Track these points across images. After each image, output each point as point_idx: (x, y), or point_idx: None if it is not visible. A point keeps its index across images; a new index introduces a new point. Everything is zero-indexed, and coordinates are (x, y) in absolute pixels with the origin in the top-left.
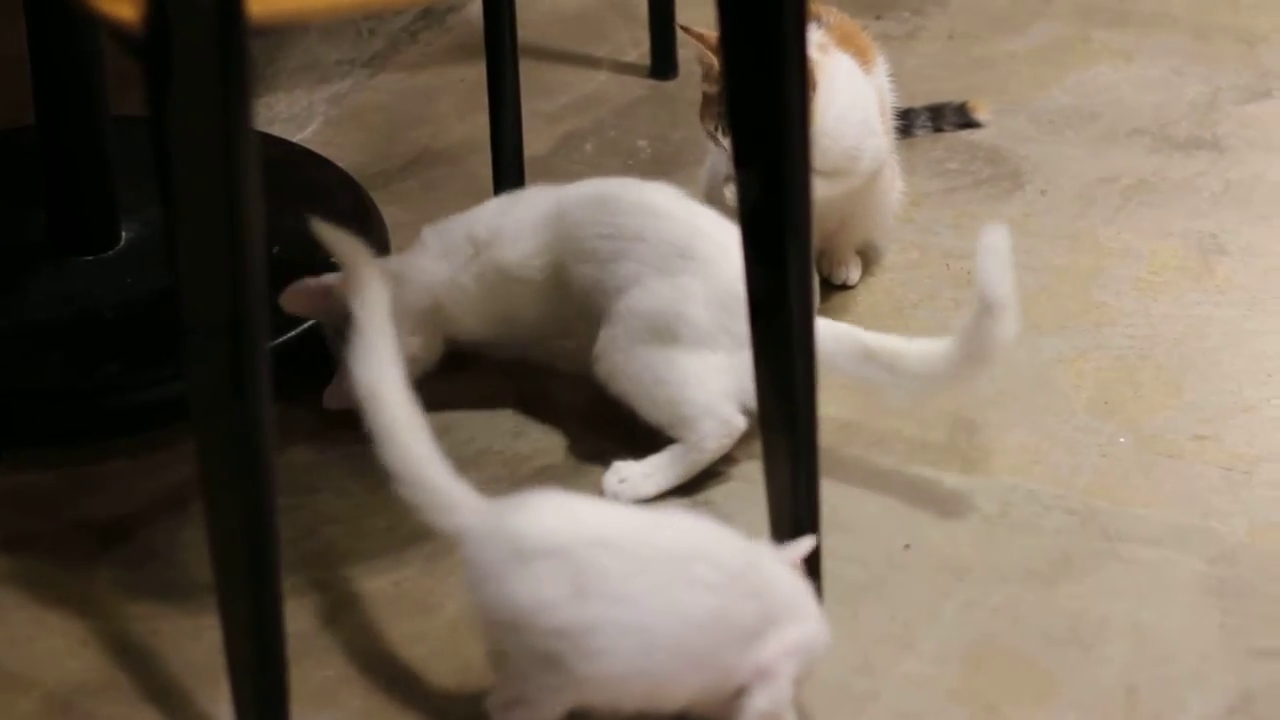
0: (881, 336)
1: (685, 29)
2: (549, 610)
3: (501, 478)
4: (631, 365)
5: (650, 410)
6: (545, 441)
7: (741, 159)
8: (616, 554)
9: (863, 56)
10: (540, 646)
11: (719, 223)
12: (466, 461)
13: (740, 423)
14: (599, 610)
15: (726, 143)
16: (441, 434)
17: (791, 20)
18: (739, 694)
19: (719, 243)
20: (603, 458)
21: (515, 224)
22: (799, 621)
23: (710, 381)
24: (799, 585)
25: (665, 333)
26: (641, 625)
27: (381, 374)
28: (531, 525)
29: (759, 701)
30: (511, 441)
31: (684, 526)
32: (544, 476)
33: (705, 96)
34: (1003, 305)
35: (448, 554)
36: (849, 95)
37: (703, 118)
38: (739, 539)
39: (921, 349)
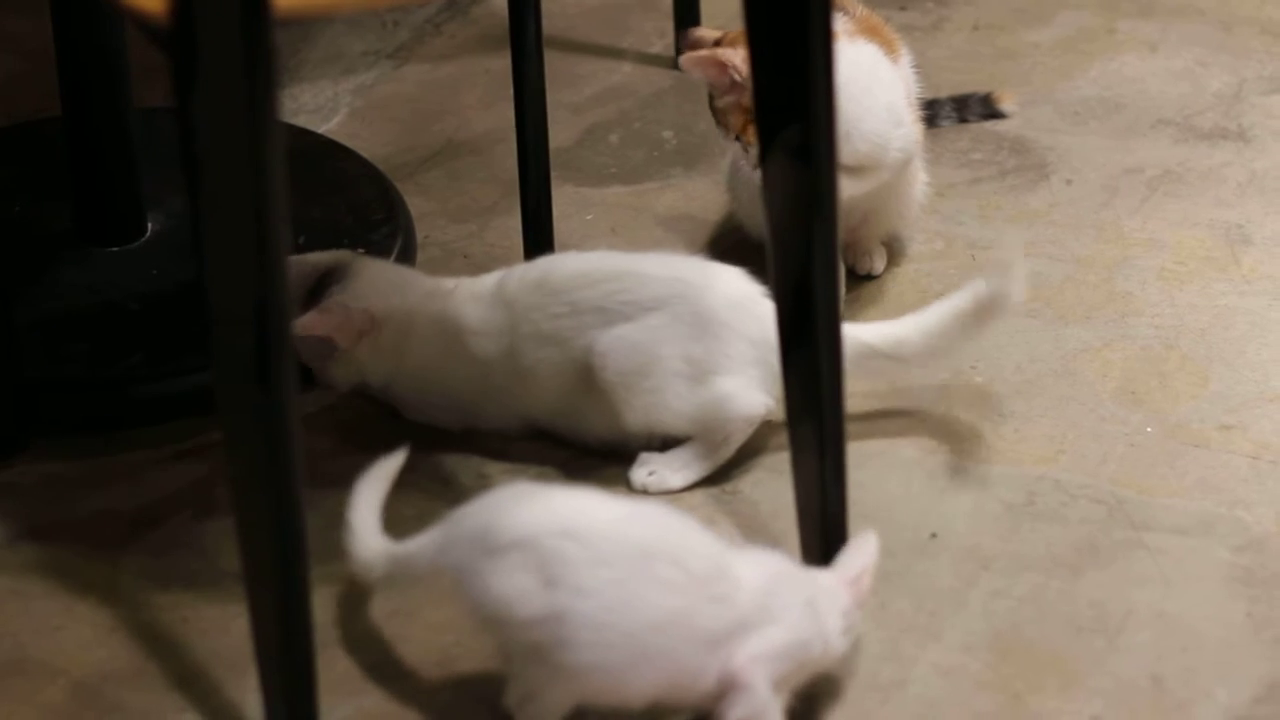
0: (877, 328)
1: (691, 50)
2: (522, 600)
3: (524, 471)
4: (653, 412)
5: (680, 431)
6: None
7: (768, 151)
8: (582, 545)
9: (888, 48)
10: (521, 638)
11: (673, 263)
12: (494, 453)
13: (763, 408)
14: (564, 600)
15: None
16: (469, 428)
17: (818, 9)
18: (716, 698)
19: (684, 280)
20: (629, 449)
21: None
22: (776, 626)
23: (731, 397)
24: (785, 592)
25: (676, 372)
26: (600, 619)
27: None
28: (500, 519)
29: (734, 711)
30: (537, 432)
31: (656, 524)
32: (569, 468)
33: (720, 109)
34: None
35: None
36: (873, 84)
37: (724, 128)
38: (714, 542)
39: (918, 328)
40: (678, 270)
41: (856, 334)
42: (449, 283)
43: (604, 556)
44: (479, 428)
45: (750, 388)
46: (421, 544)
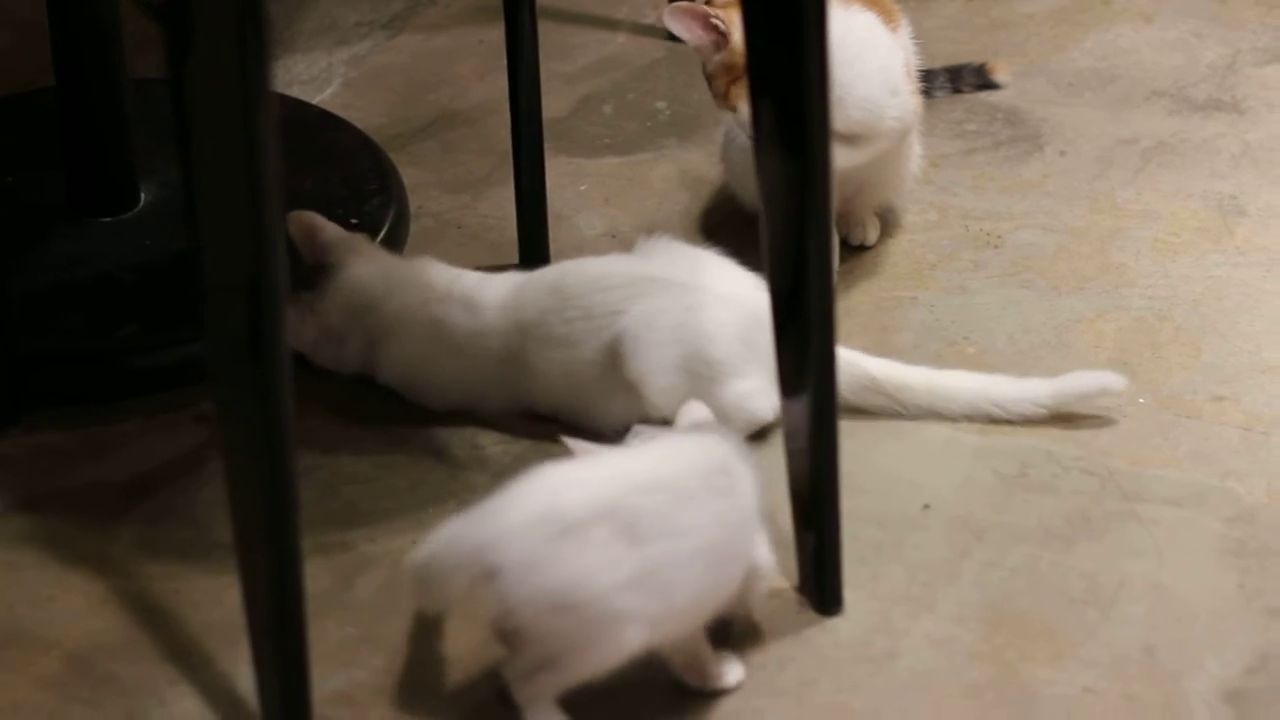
0: (884, 364)
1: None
2: (611, 570)
3: (517, 443)
4: (669, 410)
5: None
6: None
7: (760, 120)
8: (655, 493)
9: (887, 16)
10: (600, 611)
11: (689, 266)
12: (486, 424)
13: (771, 414)
14: (660, 549)
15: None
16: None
17: None
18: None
19: (701, 286)
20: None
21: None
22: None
23: (747, 396)
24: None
25: (694, 371)
26: (699, 547)
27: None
28: (561, 499)
29: (763, 587)
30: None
31: (682, 447)
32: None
33: (710, 74)
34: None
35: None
36: (868, 51)
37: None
38: (701, 440)
39: (925, 382)
40: (695, 275)
41: (863, 364)
42: (443, 278)
43: (686, 494)
44: (475, 410)
45: (763, 392)
46: (437, 551)
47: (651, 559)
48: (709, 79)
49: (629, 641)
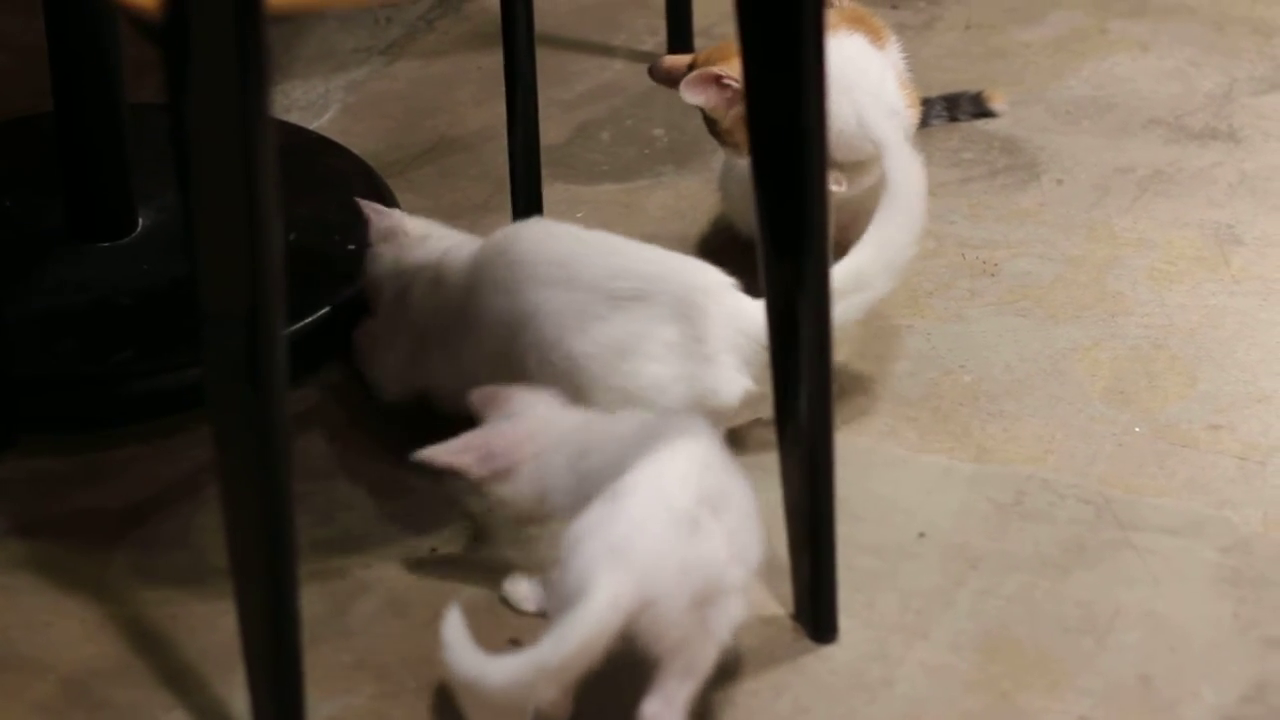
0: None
1: (666, 76)
2: (721, 547)
3: None
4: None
5: None
6: None
7: (758, 148)
8: (709, 466)
9: (873, 35)
10: (724, 590)
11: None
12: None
13: (743, 390)
14: (731, 517)
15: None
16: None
17: (809, 10)
18: None
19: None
20: None
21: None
22: None
23: (713, 383)
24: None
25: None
26: (748, 508)
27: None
28: (673, 499)
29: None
30: None
31: (678, 423)
32: None
33: (728, 129)
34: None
35: (463, 540)
36: (864, 80)
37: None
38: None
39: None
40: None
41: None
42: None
43: (710, 463)
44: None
45: (730, 374)
46: (588, 620)
47: (729, 526)
48: (726, 134)
49: (738, 616)
